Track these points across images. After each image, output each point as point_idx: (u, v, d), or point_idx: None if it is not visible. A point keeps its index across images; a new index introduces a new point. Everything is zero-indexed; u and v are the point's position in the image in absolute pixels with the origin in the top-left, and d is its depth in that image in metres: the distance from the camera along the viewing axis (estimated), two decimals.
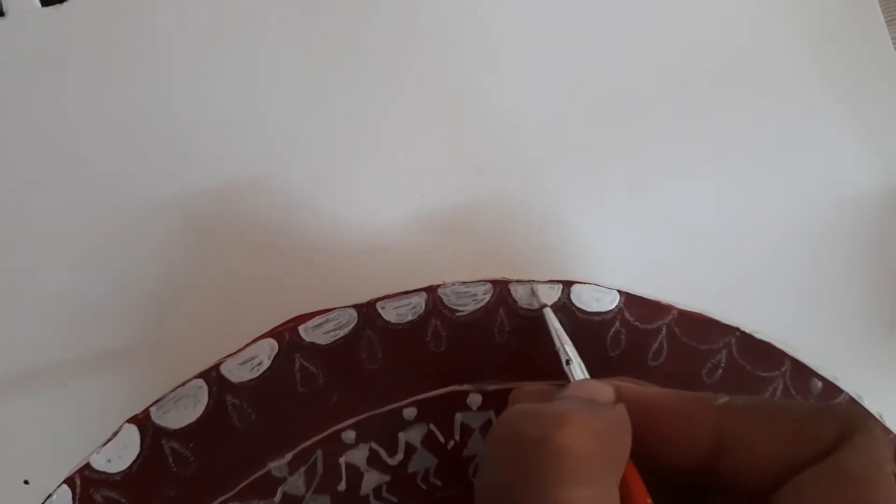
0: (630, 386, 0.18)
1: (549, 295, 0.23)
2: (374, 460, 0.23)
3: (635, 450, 0.17)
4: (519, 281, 0.23)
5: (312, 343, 0.22)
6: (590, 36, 0.27)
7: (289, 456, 0.22)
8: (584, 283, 0.24)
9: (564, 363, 0.21)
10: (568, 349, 0.22)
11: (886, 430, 0.23)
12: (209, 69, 0.25)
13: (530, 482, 0.15)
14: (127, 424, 0.21)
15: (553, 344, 0.22)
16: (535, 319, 0.23)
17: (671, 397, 0.18)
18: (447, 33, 0.26)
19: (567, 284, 0.23)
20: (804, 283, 0.28)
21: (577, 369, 0.21)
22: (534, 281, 0.23)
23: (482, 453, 0.17)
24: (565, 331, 0.22)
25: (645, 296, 0.24)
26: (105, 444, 0.21)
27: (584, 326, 0.23)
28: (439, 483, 0.23)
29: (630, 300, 0.24)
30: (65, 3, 0.24)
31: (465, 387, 0.23)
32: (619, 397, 0.18)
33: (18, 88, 0.24)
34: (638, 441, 0.17)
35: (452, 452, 0.23)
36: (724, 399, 0.17)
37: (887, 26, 0.29)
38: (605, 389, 0.18)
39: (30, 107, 0.24)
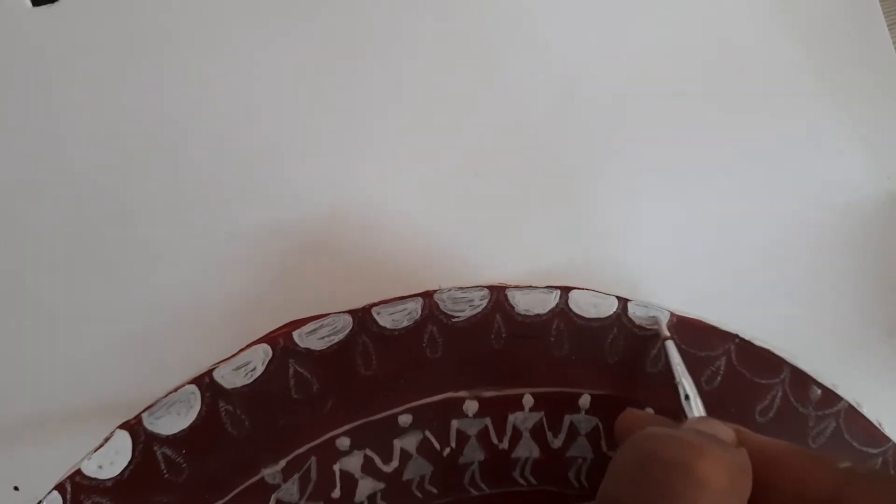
0: (749, 432, 0.19)
1: (664, 330, 0.23)
2: (368, 467, 0.22)
3: (751, 498, 0.17)
4: (516, 286, 0.23)
5: (307, 349, 0.22)
6: (586, 40, 0.27)
7: (282, 463, 0.22)
8: (582, 288, 0.23)
9: (683, 398, 0.22)
10: (687, 385, 0.22)
11: None
12: (202, 68, 0.25)
13: (665, 502, 0.15)
14: (119, 430, 0.21)
15: (672, 377, 0.22)
16: (532, 326, 0.23)
17: (793, 451, 0.18)
18: (446, 33, 0.26)
19: (565, 290, 0.23)
20: (803, 288, 0.27)
21: (696, 405, 0.21)
22: (532, 286, 0.23)
23: (610, 465, 0.17)
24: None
25: (643, 302, 0.24)
26: (96, 449, 0.21)
27: (581, 332, 0.23)
28: (435, 491, 0.23)
29: (628, 306, 0.24)
30: (56, 3, 0.24)
31: (462, 393, 0.23)
32: (741, 441, 0.18)
33: (8, 89, 0.24)
34: (754, 489, 0.17)
35: (448, 460, 0.23)
36: (847, 464, 0.17)
37: (889, 30, 0.29)
38: (727, 430, 0.18)
39: (19, 108, 0.24)
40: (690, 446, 0.16)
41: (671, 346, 0.23)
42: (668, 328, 0.24)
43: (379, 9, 0.26)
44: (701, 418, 0.20)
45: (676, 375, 0.22)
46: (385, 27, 0.26)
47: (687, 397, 0.22)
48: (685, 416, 0.21)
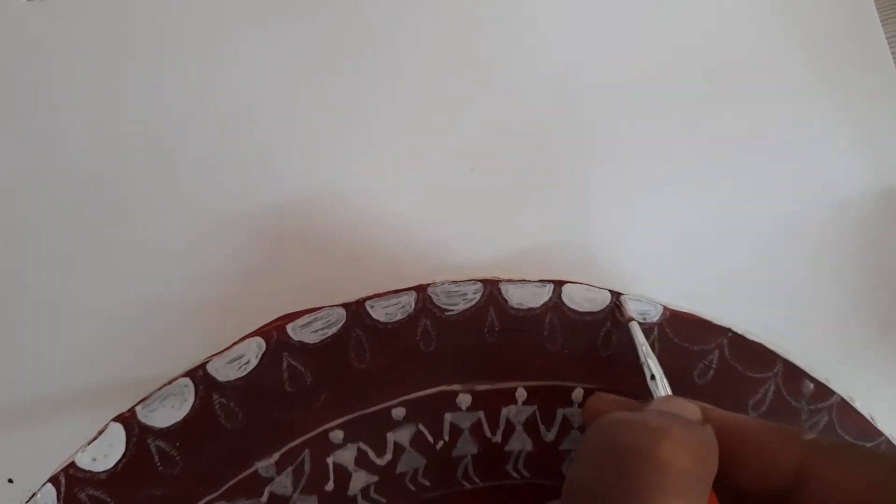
0: (715, 409, 0.19)
1: (635, 309, 0.24)
2: (362, 460, 0.23)
3: (717, 474, 0.17)
4: (510, 280, 0.23)
5: (300, 342, 0.22)
6: (583, 39, 0.27)
7: (276, 456, 0.22)
8: (576, 282, 0.24)
9: (648, 378, 0.22)
10: (652, 365, 0.22)
11: None
12: (200, 64, 0.25)
13: (628, 489, 0.15)
14: (112, 423, 0.21)
15: (637, 357, 0.22)
16: (525, 319, 0.23)
17: (759, 425, 0.18)
18: (443, 30, 0.26)
19: (558, 284, 0.23)
20: (797, 284, 0.27)
21: (661, 386, 0.21)
22: (526, 280, 0.23)
23: (576, 452, 0.18)
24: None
25: (636, 296, 0.24)
26: (90, 442, 0.21)
27: (575, 326, 0.23)
28: (428, 483, 0.23)
29: (622, 300, 0.24)
30: None
31: (455, 387, 0.23)
32: (706, 418, 0.18)
33: (3, 84, 0.24)
34: (721, 464, 0.17)
35: (441, 453, 0.23)
36: (811, 436, 0.17)
37: (883, 26, 0.29)
38: (692, 408, 0.18)
39: (15, 103, 0.24)
40: (652, 430, 0.16)
41: (635, 327, 0.23)
42: (661, 322, 0.24)
43: (377, 5, 0.26)
44: (667, 397, 0.20)
45: (641, 356, 0.22)
46: (383, 23, 0.26)
47: (653, 377, 0.22)
48: (651, 397, 0.21)
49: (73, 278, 0.24)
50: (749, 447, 0.17)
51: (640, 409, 0.19)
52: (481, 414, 0.23)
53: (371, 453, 0.23)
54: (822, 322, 0.28)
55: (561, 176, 0.27)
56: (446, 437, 0.23)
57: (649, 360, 0.22)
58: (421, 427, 0.23)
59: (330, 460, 0.22)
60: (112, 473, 0.21)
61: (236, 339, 0.22)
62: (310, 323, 0.22)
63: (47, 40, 0.24)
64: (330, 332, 0.22)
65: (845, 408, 0.24)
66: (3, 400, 0.23)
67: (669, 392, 0.21)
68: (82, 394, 0.23)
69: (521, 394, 0.23)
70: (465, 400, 0.23)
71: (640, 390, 0.24)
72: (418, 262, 0.25)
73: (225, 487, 0.22)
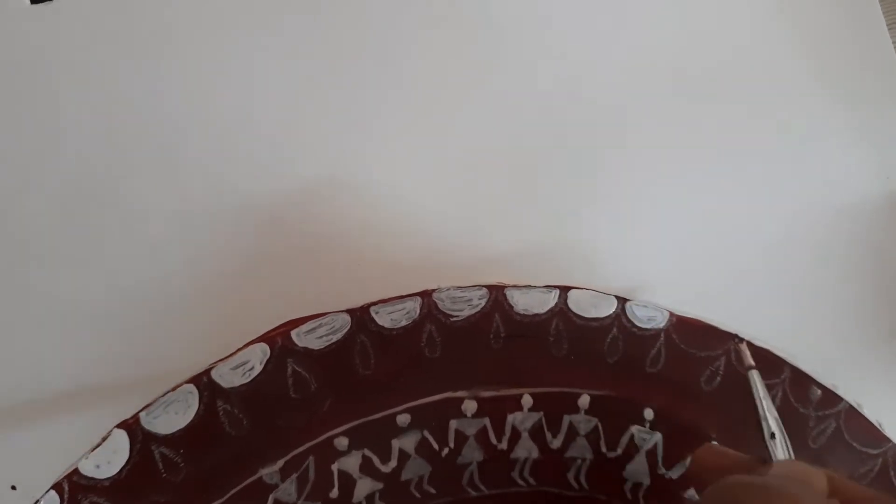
0: (843, 479, 0.18)
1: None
2: (366, 467, 0.22)
3: None
4: (515, 285, 0.23)
5: (305, 348, 0.22)
6: (590, 37, 0.27)
7: (281, 462, 0.22)
8: (582, 288, 0.23)
9: (768, 437, 0.20)
10: (773, 423, 0.20)
11: None
12: (202, 66, 0.25)
13: None
14: (116, 430, 0.21)
15: (756, 412, 0.21)
16: (531, 325, 0.23)
17: (887, 502, 0.17)
18: (447, 25, 0.26)
19: (564, 290, 0.23)
20: (803, 289, 0.27)
21: (782, 447, 0.20)
22: (531, 286, 0.23)
23: None
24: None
25: (643, 302, 0.24)
26: (94, 449, 0.21)
27: (581, 332, 0.23)
28: (433, 490, 0.23)
29: (627, 306, 0.23)
30: (54, 1, 0.24)
31: (460, 393, 0.23)
32: (833, 490, 0.17)
33: (7, 85, 0.24)
34: None
35: (447, 460, 0.23)
36: None
37: (889, 31, 0.29)
38: (819, 477, 0.17)
39: (18, 104, 0.24)
40: (782, 499, 0.15)
41: (756, 377, 0.21)
42: (668, 328, 0.24)
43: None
44: (790, 462, 0.19)
45: (761, 411, 0.21)
46: (385, 22, 0.26)
47: (773, 436, 0.20)
48: (769, 456, 0.20)
49: (78, 284, 0.24)
50: None
51: (762, 472, 0.18)
52: (487, 420, 0.23)
53: (376, 460, 0.22)
54: (828, 326, 0.27)
55: (565, 178, 0.26)
56: (451, 444, 0.23)
57: (770, 417, 0.21)
58: (426, 434, 0.23)
59: (335, 467, 0.22)
60: (115, 480, 0.21)
61: (241, 346, 0.22)
62: (314, 329, 0.22)
63: (51, 43, 0.24)
64: (335, 338, 0.22)
65: (853, 414, 0.24)
66: (5, 405, 0.23)
67: (791, 454, 0.20)
68: (85, 401, 0.23)
69: (527, 400, 0.23)
70: (470, 406, 0.23)
71: (648, 396, 0.24)
72: (423, 267, 0.25)
73: (229, 494, 0.21)
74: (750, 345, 0.24)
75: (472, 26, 0.26)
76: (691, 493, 0.23)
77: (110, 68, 0.24)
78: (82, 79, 0.24)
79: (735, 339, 0.23)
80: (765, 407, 0.21)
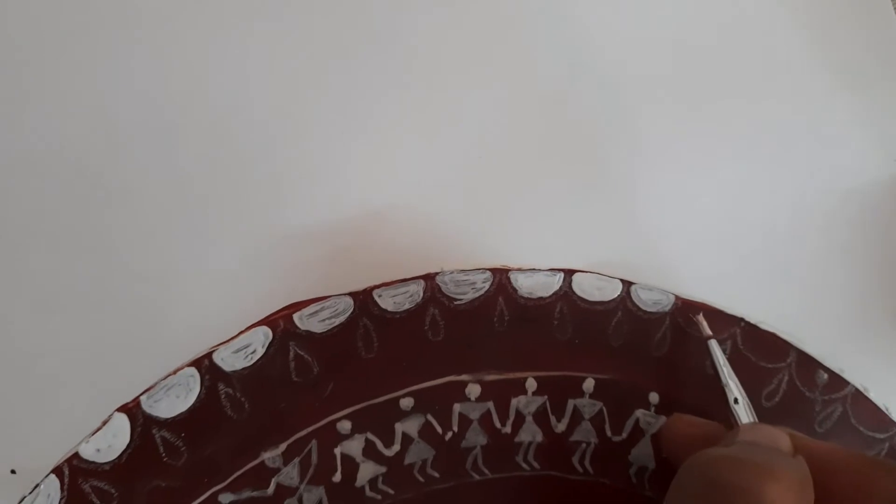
0: (803, 436, 0.18)
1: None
2: (370, 451, 0.22)
3: None
4: (519, 269, 0.23)
5: (307, 331, 0.22)
6: (590, 25, 0.27)
7: (283, 446, 0.22)
8: (586, 271, 0.23)
9: (731, 402, 0.21)
10: (735, 387, 0.21)
11: None
12: (200, 53, 0.24)
13: None
14: (117, 413, 0.21)
15: (719, 379, 0.22)
16: (535, 308, 0.23)
17: (852, 458, 0.18)
18: (450, 14, 0.26)
19: (568, 273, 0.23)
20: (809, 273, 0.27)
21: (745, 411, 0.21)
22: (535, 269, 0.23)
23: (673, 485, 0.17)
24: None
25: (648, 285, 0.24)
26: (94, 433, 0.20)
27: (585, 316, 0.23)
28: (436, 475, 0.23)
29: (633, 289, 0.23)
30: None
31: (464, 377, 0.23)
32: (796, 448, 0.18)
33: (5, 74, 0.24)
34: (815, 497, 0.17)
35: (450, 443, 0.23)
36: None
37: (895, 13, 0.29)
38: (783, 438, 0.18)
39: (18, 96, 0.24)
40: (756, 468, 0.16)
41: (715, 346, 0.22)
42: (673, 312, 0.23)
43: None
44: (754, 425, 0.19)
45: (723, 378, 0.22)
46: (390, 10, 0.25)
47: (736, 401, 0.21)
48: (734, 421, 0.21)
49: (78, 267, 0.23)
50: (843, 479, 0.17)
51: (729, 439, 0.18)
52: (490, 404, 0.23)
53: (379, 444, 0.22)
54: (833, 310, 0.27)
55: (569, 163, 0.26)
56: (455, 428, 0.23)
57: (731, 383, 0.21)
58: (429, 417, 0.23)
59: (337, 451, 0.22)
60: (116, 464, 0.20)
61: (242, 329, 0.21)
62: (317, 312, 0.22)
63: (49, 25, 0.24)
64: (337, 321, 0.22)
65: (859, 398, 0.24)
66: (5, 390, 0.23)
67: (754, 417, 0.21)
68: (86, 384, 0.23)
69: (531, 384, 0.23)
70: (474, 390, 0.23)
71: (653, 380, 0.23)
72: (426, 251, 0.25)
73: (231, 478, 0.21)
74: (754, 327, 0.23)
75: (477, 11, 0.26)
76: None
77: (110, 62, 0.24)
78: (77, 68, 0.24)
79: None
80: (726, 374, 0.22)
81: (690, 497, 0.16)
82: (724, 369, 0.22)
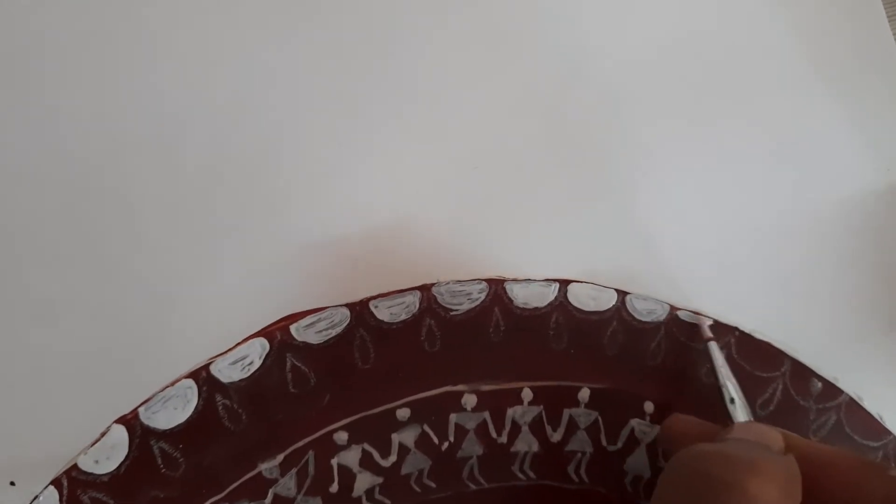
0: (796, 436, 0.19)
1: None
2: (366, 461, 0.22)
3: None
4: (515, 279, 0.23)
5: (304, 342, 0.22)
6: (586, 33, 0.27)
7: (280, 457, 0.22)
8: (581, 281, 0.23)
9: (728, 402, 0.21)
10: (732, 388, 0.22)
11: None
12: (199, 62, 0.25)
13: None
14: (115, 425, 0.21)
15: (717, 380, 0.22)
16: (530, 319, 0.23)
17: (843, 458, 0.18)
18: (447, 24, 0.26)
19: (564, 283, 0.23)
20: (803, 282, 0.27)
21: (741, 411, 0.21)
22: (531, 279, 0.23)
23: (661, 478, 0.17)
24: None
25: (642, 295, 0.24)
26: (93, 444, 0.20)
27: (580, 326, 0.23)
28: (433, 485, 0.23)
29: (627, 299, 0.23)
30: None
31: (460, 387, 0.23)
32: (788, 447, 0.18)
33: (8, 79, 0.24)
34: (804, 496, 0.17)
35: (446, 454, 0.23)
36: None
37: (889, 22, 0.29)
38: (775, 436, 0.18)
39: (21, 99, 0.24)
40: (741, 463, 0.16)
41: (714, 348, 0.23)
42: (668, 321, 0.24)
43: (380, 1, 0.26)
44: (748, 424, 0.20)
45: (720, 378, 0.22)
46: (385, 19, 0.26)
47: (732, 401, 0.21)
48: (730, 421, 0.21)
49: (77, 278, 0.23)
50: (832, 479, 0.17)
51: (722, 436, 0.19)
52: (486, 414, 0.23)
53: (376, 454, 0.22)
54: (828, 319, 0.27)
55: (564, 174, 0.26)
56: (451, 438, 0.23)
57: (728, 384, 0.22)
58: (426, 428, 0.23)
59: (334, 461, 0.22)
60: (115, 476, 0.21)
61: (239, 340, 0.22)
62: (313, 323, 0.22)
63: (52, 34, 0.24)
64: (334, 332, 0.22)
65: (853, 407, 0.24)
66: (5, 403, 0.23)
67: (750, 417, 0.21)
68: (84, 395, 0.23)
69: (527, 394, 0.23)
70: (470, 400, 0.23)
71: (648, 389, 0.23)
72: (422, 261, 0.25)
73: (229, 489, 0.21)
74: (749, 336, 0.24)
75: (473, 22, 0.26)
76: None
77: (109, 65, 0.24)
78: (76, 72, 0.24)
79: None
80: (723, 374, 0.22)
81: (677, 488, 0.17)
82: (723, 370, 0.22)
